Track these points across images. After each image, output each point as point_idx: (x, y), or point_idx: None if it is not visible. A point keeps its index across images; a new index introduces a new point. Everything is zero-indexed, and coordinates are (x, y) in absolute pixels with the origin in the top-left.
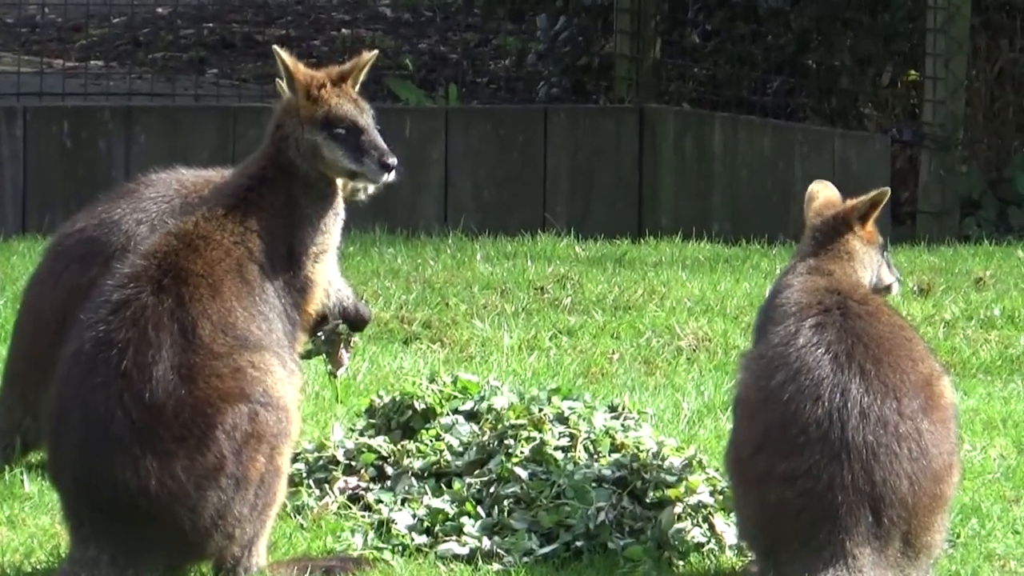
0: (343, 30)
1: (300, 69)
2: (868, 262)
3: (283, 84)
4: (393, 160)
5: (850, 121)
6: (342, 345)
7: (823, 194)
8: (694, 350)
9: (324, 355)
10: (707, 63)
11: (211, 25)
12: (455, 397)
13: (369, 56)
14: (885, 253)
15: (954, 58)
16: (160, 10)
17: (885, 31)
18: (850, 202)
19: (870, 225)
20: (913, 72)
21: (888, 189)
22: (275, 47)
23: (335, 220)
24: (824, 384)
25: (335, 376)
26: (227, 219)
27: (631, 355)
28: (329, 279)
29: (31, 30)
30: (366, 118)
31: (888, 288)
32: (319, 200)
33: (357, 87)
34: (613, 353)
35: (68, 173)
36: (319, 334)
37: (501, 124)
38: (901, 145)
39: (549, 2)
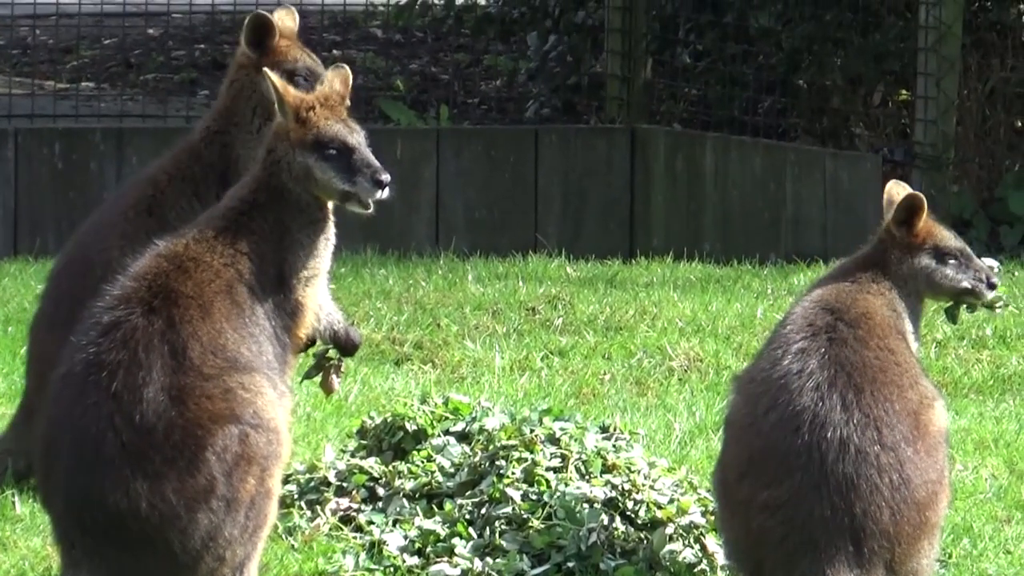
0: (334, 51)
1: (290, 92)
2: (912, 271)
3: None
4: (386, 176)
5: (841, 141)
6: (332, 371)
7: (900, 194)
8: (685, 370)
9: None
10: (698, 83)
11: (202, 46)
12: (446, 418)
13: (346, 73)
14: (952, 259)
15: (945, 77)
16: (151, 31)
17: (876, 51)
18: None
19: (922, 229)
20: (904, 92)
21: (919, 195)
22: (265, 70)
23: (326, 244)
24: (805, 414)
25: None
26: (217, 241)
27: (622, 375)
28: (319, 303)
29: (22, 52)
30: (356, 137)
31: (967, 292)
32: (310, 224)
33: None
34: (604, 374)
35: (59, 195)
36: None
37: (492, 144)
38: (892, 165)
39: (539, 22)
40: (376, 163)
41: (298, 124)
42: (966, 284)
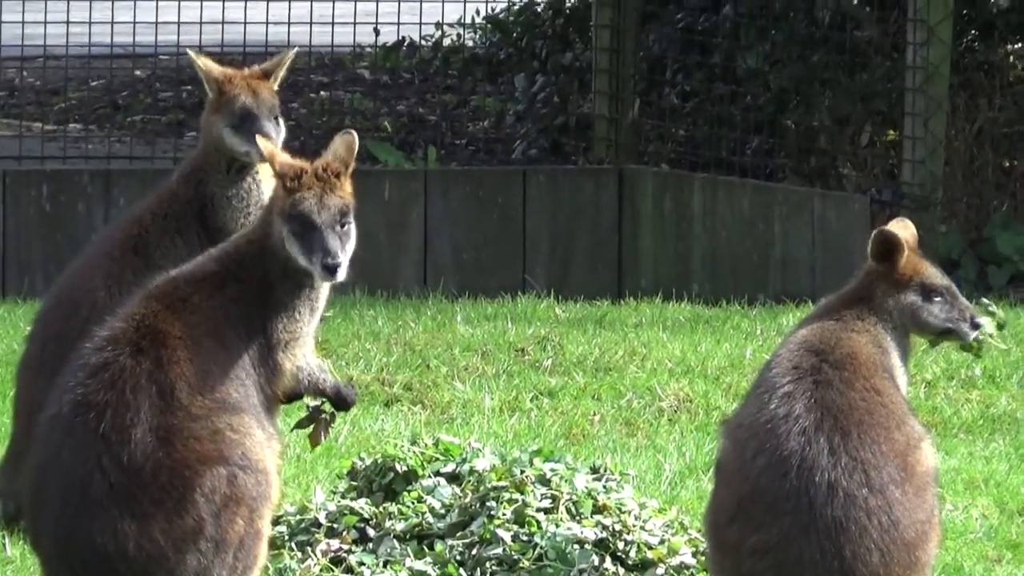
0: (321, 92)
1: (278, 159)
2: (892, 306)
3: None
4: (335, 262)
5: (829, 181)
6: (323, 424)
7: (901, 234)
8: (675, 411)
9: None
10: (685, 124)
11: (189, 87)
12: (437, 459)
13: (353, 139)
14: (938, 297)
15: (933, 118)
16: (138, 73)
17: (863, 91)
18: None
19: (908, 267)
20: (892, 132)
21: (888, 231)
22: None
23: (309, 309)
24: (792, 458)
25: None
26: (207, 284)
27: (612, 416)
28: (299, 365)
29: (9, 93)
30: (325, 215)
31: (947, 332)
32: (295, 288)
33: (348, 170)
34: (594, 414)
35: (47, 237)
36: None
37: (480, 185)
38: (880, 205)
39: (527, 63)
40: (334, 248)
41: (284, 192)
42: (949, 324)
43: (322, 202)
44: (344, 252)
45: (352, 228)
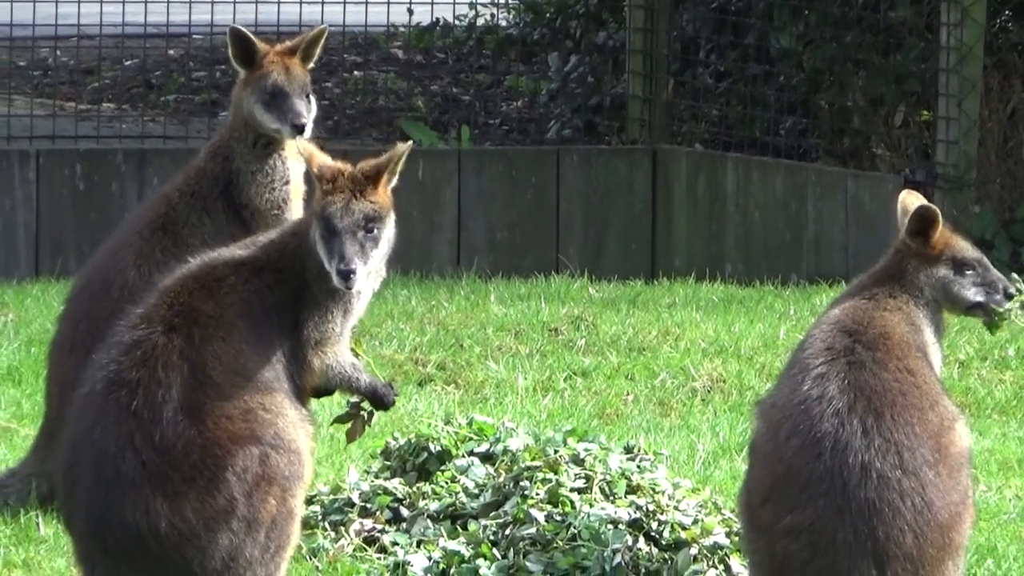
0: (355, 72)
1: (316, 160)
2: (928, 281)
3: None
4: (348, 268)
5: (862, 161)
6: (361, 421)
7: (915, 205)
8: (708, 391)
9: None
10: (719, 104)
11: (223, 67)
12: (470, 439)
13: (403, 149)
14: (968, 271)
15: (966, 98)
16: (172, 52)
17: (897, 71)
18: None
19: (939, 241)
20: (925, 112)
21: (932, 206)
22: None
23: (343, 311)
24: (826, 440)
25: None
26: (245, 268)
27: (646, 396)
28: (329, 363)
29: (43, 73)
30: (347, 221)
31: (977, 307)
32: (329, 291)
33: (394, 179)
34: (628, 394)
35: (81, 216)
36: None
37: (513, 165)
38: (913, 185)
39: (560, 43)
40: (349, 254)
41: (320, 194)
42: (980, 298)
43: (348, 207)
44: (363, 259)
45: (382, 235)
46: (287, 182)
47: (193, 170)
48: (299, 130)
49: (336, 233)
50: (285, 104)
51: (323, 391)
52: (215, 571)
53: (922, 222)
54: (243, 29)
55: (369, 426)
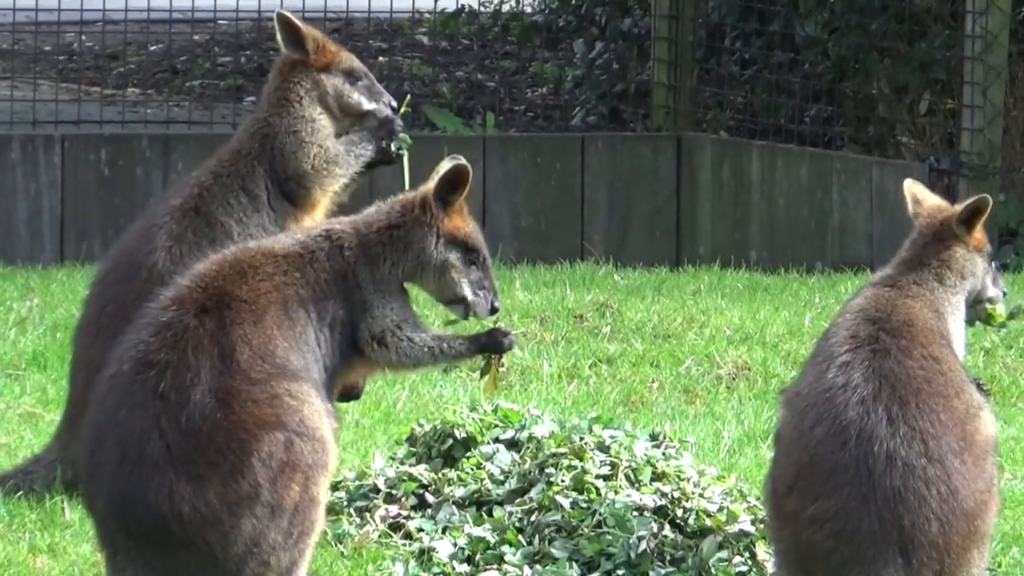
0: (380, 58)
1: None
2: (971, 270)
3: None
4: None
5: (887, 149)
6: (493, 372)
7: (925, 195)
8: (734, 378)
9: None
10: (744, 91)
11: (248, 52)
12: (496, 426)
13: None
14: (992, 265)
15: (991, 86)
16: (197, 37)
17: (922, 60)
18: (955, 207)
19: (978, 232)
20: (950, 101)
21: (988, 197)
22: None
23: (401, 299)
24: (851, 428)
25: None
26: (286, 261)
27: (671, 383)
28: (407, 345)
29: (68, 58)
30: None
31: (990, 300)
32: (380, 293)
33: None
34: (653, 381)
35: (106, 201)
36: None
37: (538, 152)
38: (938, 173)
39: (586, 30)
40: (495, 287)
41: (448, 216)
42: (996, 292)
43: (480, 235)
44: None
45: None
46: (325, 136)
47: (227, 152)
48: (395, 110)
49: (484, 265)
50: (375, 87)
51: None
52: (237, 556)
53: (975, 213)
54: (290, 15)
55: (501, 370)
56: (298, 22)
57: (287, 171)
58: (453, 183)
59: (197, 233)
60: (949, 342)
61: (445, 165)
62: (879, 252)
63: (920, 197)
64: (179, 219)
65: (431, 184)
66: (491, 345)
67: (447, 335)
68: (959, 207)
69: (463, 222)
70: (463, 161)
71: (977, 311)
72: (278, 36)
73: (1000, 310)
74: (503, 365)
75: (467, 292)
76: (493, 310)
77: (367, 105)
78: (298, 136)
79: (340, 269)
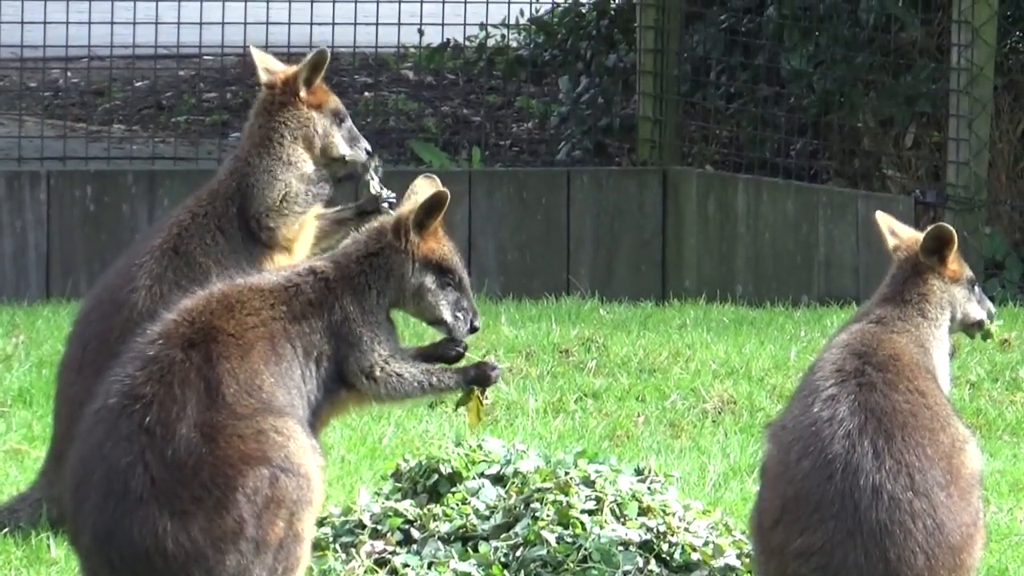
0: (366, 93)
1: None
2: (949, 301)
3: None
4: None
5: (873, 183)
6: (476, 404)
7: (899, 227)
8: (719, 412)
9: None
10: (729, 125)
11: (234, 88)
12: (481, 461)
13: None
14: (976, 288)
15: (977, 119)
16: (182, 73)
17: (908, 93)
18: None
19: (953, 263)
20: (936, 133)
21: (947, 226)
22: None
23: (387, 332)
24: (837, 462)
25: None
26: (272, 296)
27: (656, 418)
28: (394, 378)
29: (54, 94)
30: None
31: (978, 324)
32: (368, 325)
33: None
34: (638, 416)
35: (91, 237)
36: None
37: (524, 186)
38: (924, 207)
39: (571, 64)
40: (475, 306)
41: (425, 240)
42: (983, 315)
43: (457, 256)
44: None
45: None
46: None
47: (206, 192)
48: (370, 154)
49: (462, 287)
50: (354, 130)
51: (404, 403)
52: None
53: (938, 240)
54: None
55: (486, 403)
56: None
57: (248, 210)
58: (430, 209)
59: (177, 273)
60: (934, 376)
61: (422, 187)
62: (865, 285)
63: (895, 229)
64: (159, 258)
65: (406, 208)
66: (479, 378)
67: (435, 368)
68: (923, 239)
69: (438, 243)
70: (440, 185)
71: (969, 333)
72: (304, 74)
73: (993, 328)
74: (488, 398)
75: (446, 315)
76: (473, 329)
77: (344, 150)
78: (272, 175)
79: (326, 303)
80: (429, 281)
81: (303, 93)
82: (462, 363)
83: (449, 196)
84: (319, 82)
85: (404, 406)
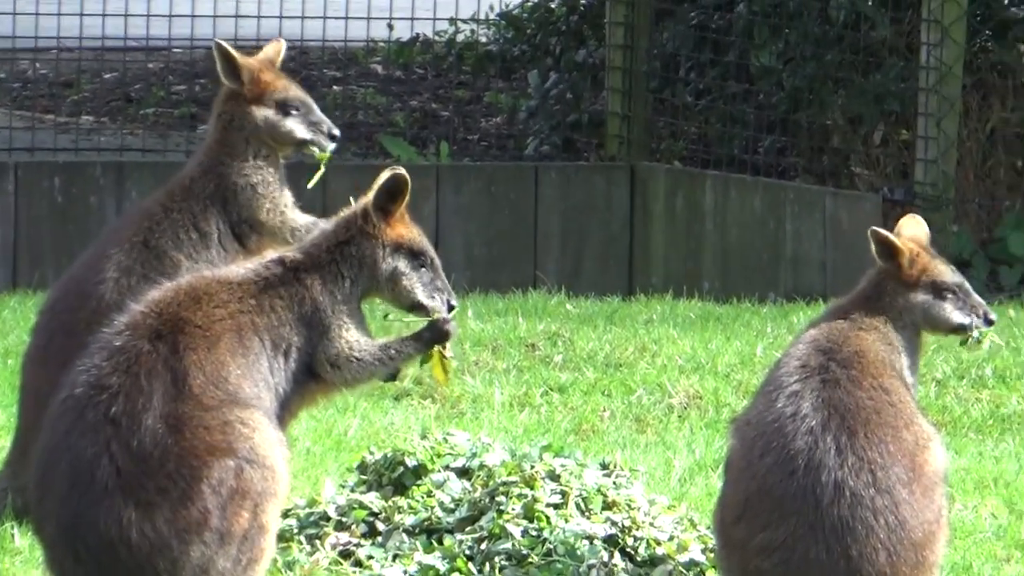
0: (335, 87)
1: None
2: (902, 305)
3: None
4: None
5: (841, 180)
6: (439, 361)
7: (909, 229)
8: (685, 408)
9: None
10: (698, 121)
11: (203, 81)
12: (447, 454)
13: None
14: (950, 294)
15: (945, 118)
16: (151, 66)
17: (877, 91)
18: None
19: (910, 266)
20: (904, 132)
21: (877, 232)
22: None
23: (358, 318)
24: (799, 457)
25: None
26: (240, 289)
27: (622, 412)
28: (360, 358)
29: (23, 85)
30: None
31: (961, 328)
32: (340, 313)
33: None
34: (604, 410)
35: (59, 229)
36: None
37: (492, 181)
38: (892, 204)
39: (540, 60)
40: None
41: (393, 226)
42: (964, 322)
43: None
44: None
45: None
46: (284, 188)
47: (179, 188)
48: (335, 139)
49: (435, 268)
50: (314, 116)
51: (370, 382)
52: None
53: (882, 246)
54: (227, 44)
55: (447, 360)
56: (234, 52)
57: (241, 215)
58: (392, 192)
59: (145, 266)
60: (900, 374)
61: (383, 175)
62: (832, 282)
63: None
64: (128, 251)
65: (370, 195)
66: (436, 337)
67: (392, 340)
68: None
69: (406, 228)
70: (401, 170)
71: (961, 340)
72: (218, 66)
73: (984, 335)
74: (450, 353)
75: (422, 297)
76: (451, 308)
77: (301, 134)
78: (254, 187)
79: (296, 295)
80: (402, 265)
81: (244, 86)
82: (407, 343)
83: (408, 178)
84: (259, 73)
85: (372, 385)
